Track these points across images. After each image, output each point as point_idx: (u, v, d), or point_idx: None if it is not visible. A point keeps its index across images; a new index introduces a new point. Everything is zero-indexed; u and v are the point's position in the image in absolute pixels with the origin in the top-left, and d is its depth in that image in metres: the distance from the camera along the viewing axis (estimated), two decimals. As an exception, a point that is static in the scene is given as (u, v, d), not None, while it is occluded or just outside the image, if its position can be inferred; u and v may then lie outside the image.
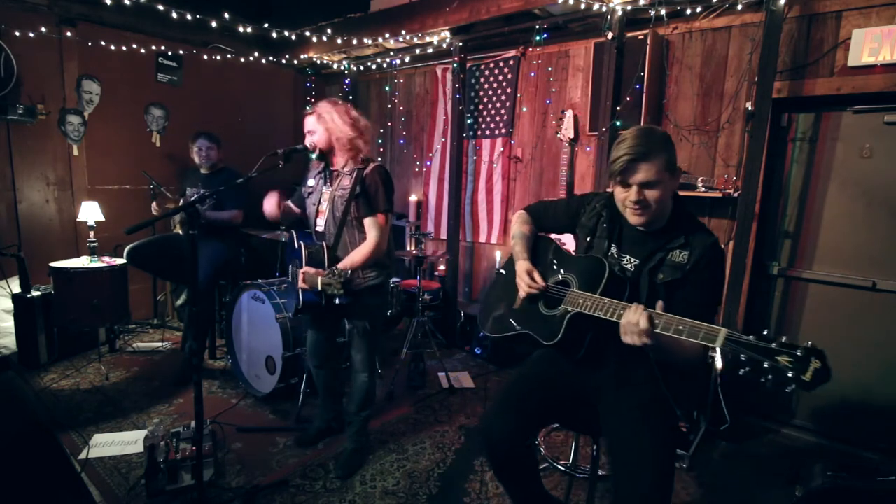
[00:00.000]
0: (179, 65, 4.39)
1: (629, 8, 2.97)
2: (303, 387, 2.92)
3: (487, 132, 4.18)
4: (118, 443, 2.56)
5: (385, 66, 4.69)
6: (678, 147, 2.86)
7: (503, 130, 4.08)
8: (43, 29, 3.56)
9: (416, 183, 4.79)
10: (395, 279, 3.77)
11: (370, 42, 4.13)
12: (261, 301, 2.97)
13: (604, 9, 3.03)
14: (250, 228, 3.92)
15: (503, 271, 1.85)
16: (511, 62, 3.95)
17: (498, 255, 4.22)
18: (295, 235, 2.32)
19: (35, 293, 3.35)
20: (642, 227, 1.49)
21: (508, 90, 4.00)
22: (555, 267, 1.68)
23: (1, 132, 3.51)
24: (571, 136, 3.53)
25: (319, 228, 2.31)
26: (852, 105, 2.67)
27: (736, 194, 2.80)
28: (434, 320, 4.07)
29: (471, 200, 4.35)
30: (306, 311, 2.27)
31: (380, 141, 5.06)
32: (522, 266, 1.68)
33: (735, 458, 2.66)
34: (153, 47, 4.15)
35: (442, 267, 4.41)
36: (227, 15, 3.73)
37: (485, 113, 4.17)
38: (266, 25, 3.92)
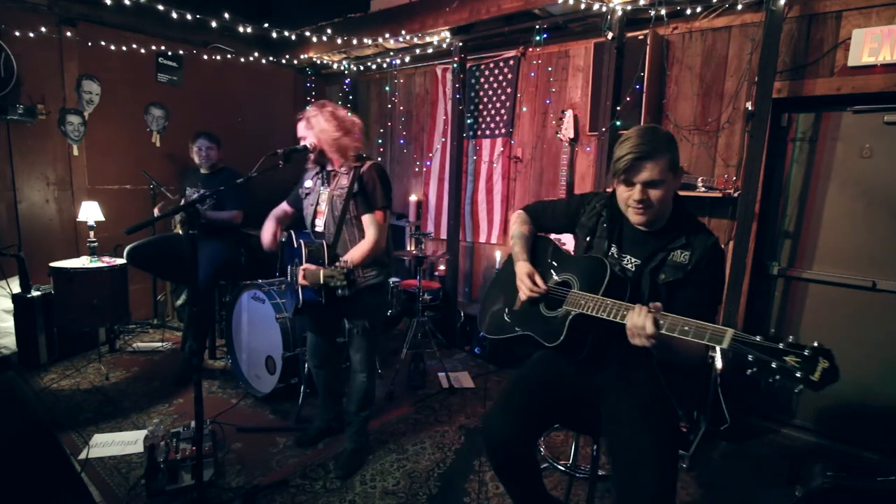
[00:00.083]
0: (179, 65, 4.39)
1: (629, 8, 2.97)
2: (303, 387, 2.92)
3: (487, 132, 4.18)
4: (118, 443, 2.56)
5: (385, 66, 4.69)
6: (678, 147, 2.86)
7: (503, 130, 4.08)
8: (43, 29, 3.56)
9: (416, 183, 4.79)
10: (395, 279, 3.77)
11: (370, 42, 4.13)
12: (261, 301, 2.97)
13: (604, 9, 3.03)
14: (250, 228, 3.92)
15: (502, 272, 1.85)
16: (511, 62, 3.95)
17: (498, 255, 4.22)
18: (293, 235, 2.32)
19: (35, 293, 3.35)
20: (643, 226, 1.49)
21: (508, 90, 4.00)
22: (555, 267, 1.67)
23: (1, 132, 3.51)
24: (571, 136, 3.53)
25: (319, 228, 2.31)
26: (852, 105, 2.67)
27: (736, 194, 2.80)
28: (434, 320, 4.07)
29: (471, 200, 4.35)
30: (306, 311, 2.27)
31: (380, 141, 5.06)
32: (523, 268, 1.67)
33: (735, 458, 2.66)
34: (153, 47, 4.15)
35: (442, 267, 4.41)
36: (227, 15, 3.73)
37: (485, 113, 4.17)
38: (266, 25, 3.92)
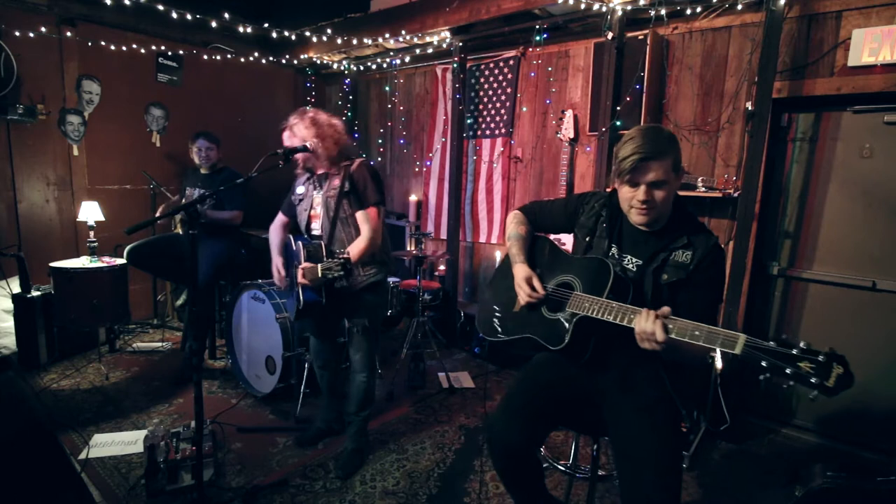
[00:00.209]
0: (179, 65, 4.39)
1: (629, 8, 2.97)
2: (303, 387, 2.92)
3: (487, 132, 4.18)
4: (118, 443, 2.56)
5: (385, 66, 4.69)
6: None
7: (503, 130, 4.08)
8: (43, 29, 3.56)
9: (416, 183, 4.79)
10: (395, 279, 3.77)
11: (370, 42, 4.13)
12: (261, 301, 2.97)
13: (604, 9, 3.03)
14: (250, 228, 3.92)
15: (500, 273, 1.82)
16: (511, 62, 3.95)
17: (498, 255, 4.22)
18: (292, 239, 2.35)
19: (35, 293, 3.35)
20: (645, 226, 1.48)
21: (508, 90, 4.00)
22: (555, 268, 1.65)
23: (1, 132, 3.51)
24: (571, 136, 3.53)
25: (316, 231, 2.32)
26: (852, 105, 2.67)
27: (736, 194, 2.80)
28: (434, 320, 4.07)
29: (471, 200, 4.35)
30: (307, 313, 2.28)
31: (380, 141, 5.06)
32: (521, 272, 1.64)
33: (735, 458, 2.66)
34: (153, 47, 4.15)
35: (442, 267, 4.41)
36: (227, 15, 3.73)
37: (485, 113, 4.17)
38: (266, 25, 3.92)
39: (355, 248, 2.18)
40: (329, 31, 4.18)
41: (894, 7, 2.45)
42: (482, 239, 4.32)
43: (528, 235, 1.77)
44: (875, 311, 2.69)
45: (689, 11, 2.96)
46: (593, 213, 1.63)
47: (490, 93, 4.12)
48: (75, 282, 3.22)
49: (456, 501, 2.23)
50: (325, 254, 2.21)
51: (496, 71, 4.06)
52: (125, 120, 4.14)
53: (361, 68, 4.90)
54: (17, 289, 3.38)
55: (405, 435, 2.76)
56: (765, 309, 3.03)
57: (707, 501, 2.32)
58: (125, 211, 4.07)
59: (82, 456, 2.41)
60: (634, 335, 1.30)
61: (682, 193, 2.20)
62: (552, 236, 1.82)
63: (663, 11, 2.92)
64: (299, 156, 2.21)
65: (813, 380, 1.05)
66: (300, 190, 2.39)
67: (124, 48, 3.94)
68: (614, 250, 1.56)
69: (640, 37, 3.04)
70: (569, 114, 3.53)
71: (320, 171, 2.29)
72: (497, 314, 1.75)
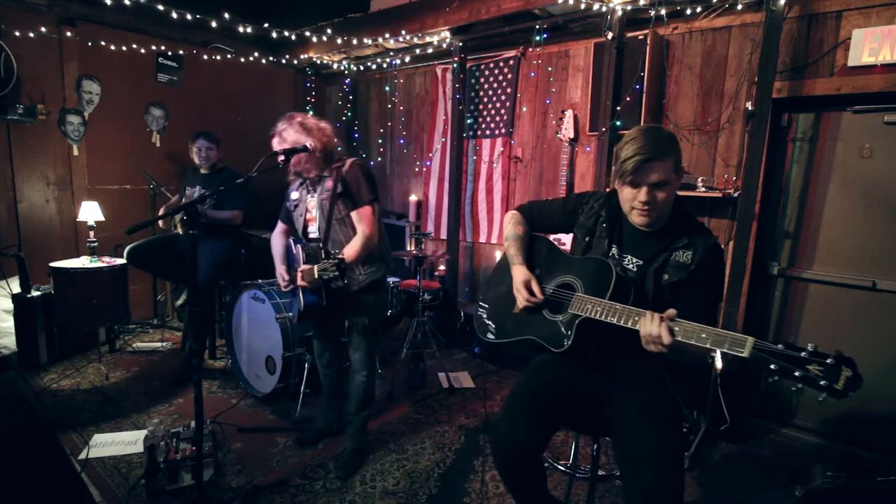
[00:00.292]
0: (179, 65, 4.40)
1: (629, 8, 2.97)
2: (303, 387, 2.92)
3: (487, 132, 4.18)
4: (118, 443, 2.56)
5: (385, 66, 4.69)
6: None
7: (503, 130, 4.08)
8: (43, 29, 3.56)
9: (416, 183, 4.79)
10: (395, 279, 3.77)
11: (370, 42, 4.13)
12: (261, 301, 2.97)
13: (604, 9, 3.03)
14: (250, 228, 3.92)
15: (498, 273, 1.80)
16: (511, 62, 3.95)
17: (498, 255, 4.22)
18: (292, 242, 2.36)
19: (35, 293, 3.35)
20: (645, 227, 1.48)
21: (508, 90, 4.00)
22: (554, 268, 1.64)
23: (1, 132, 3.51)
24: (571, 136, 3.53)
25: (313, 235, 2.33)
26: (852, 105, 2.67)
27: (736, 194, 2.80)
28: (434, 320, 4.07)
29: (471, 200, 4.35)
30: (309, 315, 2.29)
31: (380, 141, 5.06)
32: (520, 276, 1.62)
33: (735, 458, 2.66)
34: (153, 47, 4.15)
35: (442, 267, 4.41)
36: (227, 15, 3.73)
37: (485, 113, 4.17)
38: (266, 25, 3.92)
39: (351, 249, 2.19)
40: (329, 31, 4.18)
41: (894, 7, 2.45)
42: (482, 239, 4.32)
43: (527, 236, 1.76)
44: (875, 311, 2.69)
45: (689, 11, 2.96)
46: (592, 212, 1.62)
47: (490, 93, 4.12)
48: (75, 282, 3.22)
49: (456, 501, 2.23)
50: (322, 256, 2.22)
51: (496, 71, 4.06)
52: (125, 120, 4.14)
53: (361, 68, 4.90)
54: (17, 289, 3.38)
55: (405, 435, 2.76)
56: (765, 309, 3.03)
57: (707, 501, 2.32)
58: (125, 211, 4.07)
59: (82, 456, 2.41)
60: (639, 337, 1.29)
61: (682, 193, 2.21)
62: (551, 236, 1.81)
63: (663, 11, 2.92)
64: (292, 160, 2.21)
65: (822, 382, 1.05)
66: (294, 196, 2.40)
67: (124, 48, 3.94)
68: (614, 250, 1.55)
69: (640, 37, 3.04)
70: (569, 114, 3.53)
71: (313, 175, 2.29)
72: (497, 315, 1.74)
